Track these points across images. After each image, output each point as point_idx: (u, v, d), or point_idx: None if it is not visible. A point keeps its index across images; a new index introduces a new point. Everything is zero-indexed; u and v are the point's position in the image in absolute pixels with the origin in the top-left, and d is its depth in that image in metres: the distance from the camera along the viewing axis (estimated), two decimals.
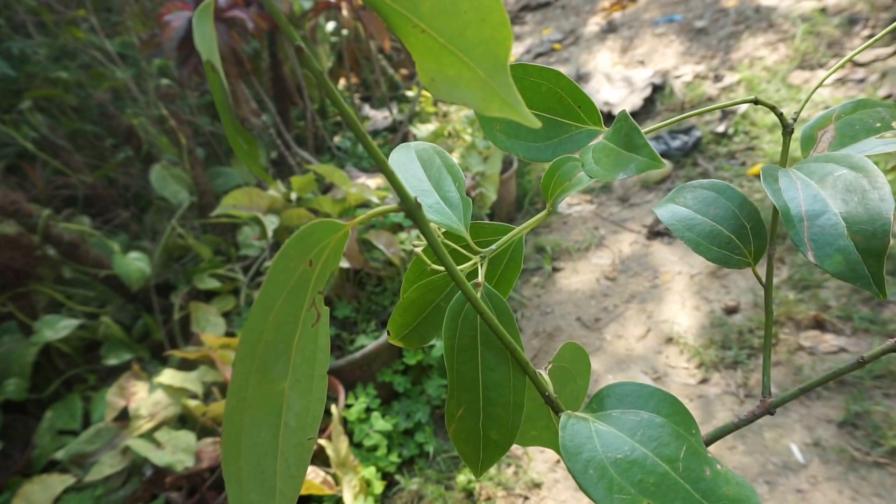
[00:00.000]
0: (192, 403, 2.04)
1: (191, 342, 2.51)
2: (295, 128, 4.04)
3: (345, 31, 4.22)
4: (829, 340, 2.45)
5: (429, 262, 0.53)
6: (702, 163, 3.66)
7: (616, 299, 3.00)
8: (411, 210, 0.41)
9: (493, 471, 2.32)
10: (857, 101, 0.60)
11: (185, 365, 2.32)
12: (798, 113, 0.57)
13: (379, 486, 2.21)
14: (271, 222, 2.43)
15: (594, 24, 5.54)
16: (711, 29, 4.73)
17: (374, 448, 2.35)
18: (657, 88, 4.38)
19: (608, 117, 3.93)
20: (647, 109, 4.26)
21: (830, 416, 2.21)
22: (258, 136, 3.61)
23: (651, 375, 2.54)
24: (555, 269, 3.31)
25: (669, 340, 2.68)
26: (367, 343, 2.52)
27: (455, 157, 3.19)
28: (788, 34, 4.29)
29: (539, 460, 2.35)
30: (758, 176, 3.33)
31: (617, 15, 5.51)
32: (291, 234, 0.37)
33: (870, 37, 3.80)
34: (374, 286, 2.76)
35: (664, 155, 3.80)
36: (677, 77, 4.41)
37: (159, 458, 1.87)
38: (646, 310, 2.88)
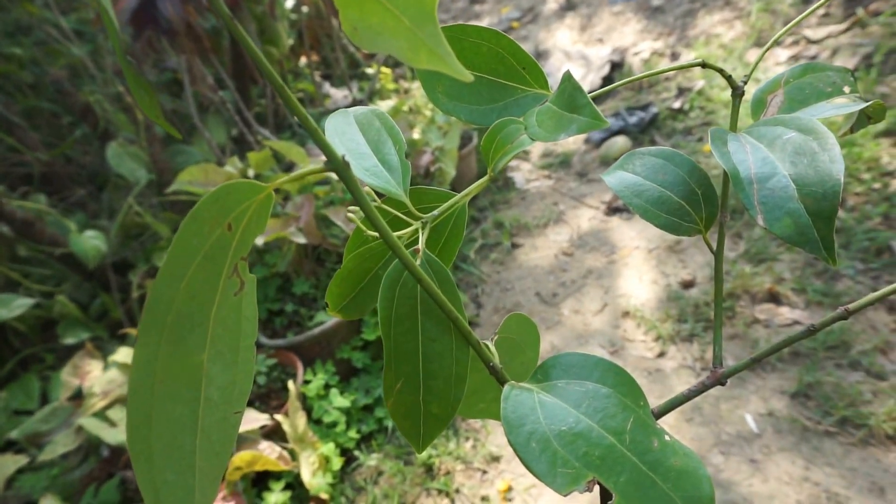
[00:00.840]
0: None
1: None
2: (256, 105, 3.99)
3: (305, 8, 4.17)
4: (784, 313, 2.46)
5: (366, 229, 0.51)
6: (658, 139, 3.66)
7: (574, 274, 3.00)
8: (339, 170, 0.38)
9: (451, 445, 2.31)
10: (806, 66, 0.58)
11: None
12: (748, 76, 0.56)
13: (337, 462, 2.19)
14: None
15: (553, 2, 5.52)
16: (668, 7, 4.73)
17: (333, 424, 2.33)
18: (616, 66, 4.37)
19: None
20: (605, 88, 4.26)
21: (784, 388, 2.23)
22: (217, 113, 3.56)
23: (608, 349, 2.53)
24: (514, 245, 3.30)
25: (626, 314, 2.68)
26: (326, 320, 2.49)
27: (415, 134, 3.16)
28: (744, 11, 4.29)
29: (498, 434, 2.34)
30: None
31: None
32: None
33: (825, 15, 3.82)
34: (334, 263, 2.74)
35: (621, 131, 3.80)
36: (635, 54, 4.41)
37: (112, 436, 1.83)
38: (603, 285, 2.88)
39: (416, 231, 0.51)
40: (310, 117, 0.35)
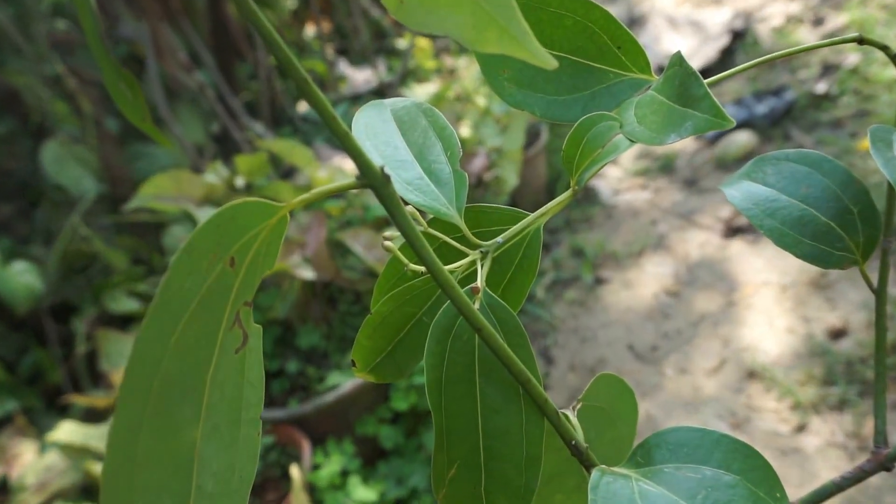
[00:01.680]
0: (100, 468, 2.02)
1: (99, 384, 2.50)
2: (244, 90, 4.03)
3: None
4: None
5: (407, 261, 0.52)
6: (795, 134, 3.65)
7: (680, 321, 2.99)
8: (375, 185, 0.40)
9: None
10: None
11: (92, 415, 2.30)
12: None
13: None
14: (208, 216, 2.42)
15: None
16: None
17: None
18: (738, 35, 4.36)
19: None
20: (724, 64, 4.25)
21: None
22: (192, 100, 3.59)
23: (728, 421, 2.52)
24: (598, 281, 3.30)
25: (752, 375, 2.67)
26: (342, 382, 2.51)
27: (464, 129, 3.18)
28: None
29: None
30: None
31: None
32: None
33: None
34: (351, 304, 2.75)
35: (746, 124, 3.79)
36: (763, 20, 4.40)
37: None
38: (720, 335, 2.87)
39: (474, 263, 0.52)
40: (337, 116, 0.36)
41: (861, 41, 0.55)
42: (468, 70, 3.75)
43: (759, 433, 2.47)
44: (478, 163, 2.98)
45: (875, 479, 2.24)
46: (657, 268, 3.29)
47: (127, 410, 0.34)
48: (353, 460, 2.46)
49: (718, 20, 4.44)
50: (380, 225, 2.75)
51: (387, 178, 0.40)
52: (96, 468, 2.02)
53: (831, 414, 2.47)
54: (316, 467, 2.43)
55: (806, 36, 4.15)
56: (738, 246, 3.24)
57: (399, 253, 0.52)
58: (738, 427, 2.50)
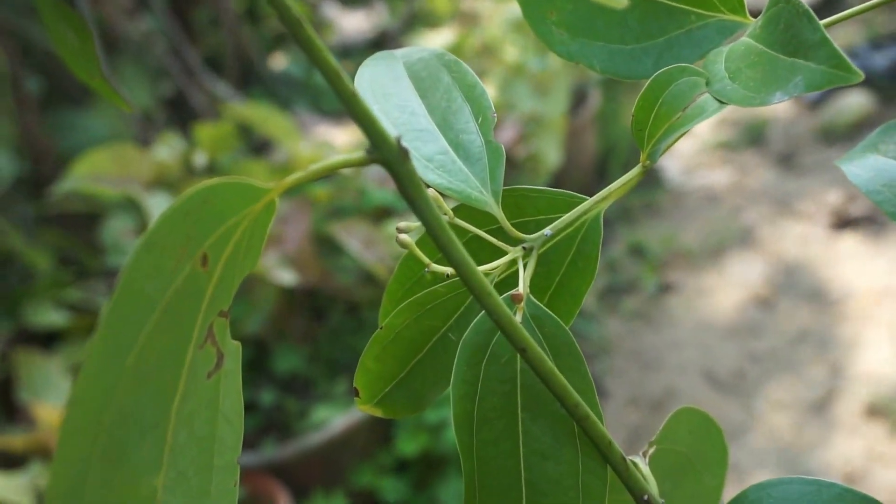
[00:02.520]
0: None
1: (17, 420, 2.51)
2: (204, 42, 4.03)
3: None
4: None
5: (428, 260, 0.52)
6: None
7: (774, 339, 2.99)
8: (390, 161, 0.39)
9: None
10: None
11: (7, 460, 2.31)
12: None
13: None
14: (160, 205, 2.42)
15: None
16: None
17: None
18: None
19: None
20: (830, 6, 4.24)
21: None
22: (136, 54, 3.60)
23: (841, 471, 2.52)
24: (664, 287, 3.30)
25: (872, 412, 2.66)
26: (331, 417, 2.51)
27: (488, 89, 3.17)
28: None
29: None
30: None
31: None
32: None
33: None
34: (343, 316, 2.75)
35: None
36: None
37: None
38: (827, 358, 2.86)
39: (514, 263, 0.52)
40: (343, 71, 0.36)
41: None
42: (494, 13, 3.75)
43: (883, 488, 2.46)
44: (506, 134, 2.97)
45: None
46: (742, 270, 3.29)
47: (69, 453, 0.34)
48: None
49: None
50: (380, 215, 2.75)
51: (405, 151, 0.40)
52: None
53: None
54: None
55: None
56: (850, 242, 3.24)
57: (417, 250, 0.51)
58: (854, 479, 2.49)
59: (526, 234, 0.53)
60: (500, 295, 0.47)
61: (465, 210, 0.53)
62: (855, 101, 3.66)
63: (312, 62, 0.36)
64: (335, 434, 2.48)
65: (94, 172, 2.45)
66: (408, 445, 2.58)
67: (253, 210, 0.38)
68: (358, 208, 2.74)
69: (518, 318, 0.48)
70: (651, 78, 0.52)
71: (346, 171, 2.65)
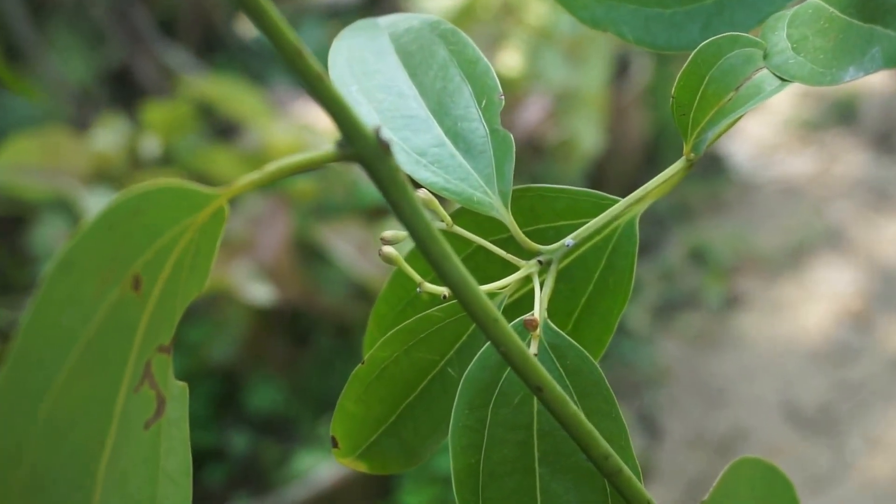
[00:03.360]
0: None
1: None
2: (155, 1, 4.04)
3: None
4: None
5: (418, 277, 0.52)
6: None
7: (871, 364, 2.98)
8: (366, 158, 0.40)
9: None
10: None
11: None
12: None
13: None
14: (101, 204, 2.41)
15: None
16: None
17: None
18: None
19: None
20: None
21: None
22: (71, 18, 3.61)
23: None
24: (732, 301, 3.30)
25: None
26: (318, 465, 2.51)
27: (511, 59, 3.16)
28: None
29: None
30: None
31: None
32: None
33: None
34: (331, 340, 2.75)
35: None
36: None
37: None
38: None
39: (529, 281, 0.52)
40: (303, 47, 0.36)
41: None
42: None
43: None
44: (531, 113, 2.95)
45: None
46: (829, 279, 3.29)
47: None
48: None
49: None
50: (376, 214, 2.75)
51: (385, 145, 0.39)
52: None
53: None
54: None
55: None
56: None
57: (406, 265, 0.51)
58: None
59: (543, 244, 0.53)
60: (512, 320, 0.47)
61: (468, 215, 0.53)
62: None
63: (261, 32, 0.36)
64: (322, 486, 2.48)
65: (18, 164, 2.45)
66: (413, 500, 2.58)
67: (196, 220, 0.38)
68: (349, 206, 2.74)
69: (533, 349, 0.48)
70: (696, 50, 0.52)
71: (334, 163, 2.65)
